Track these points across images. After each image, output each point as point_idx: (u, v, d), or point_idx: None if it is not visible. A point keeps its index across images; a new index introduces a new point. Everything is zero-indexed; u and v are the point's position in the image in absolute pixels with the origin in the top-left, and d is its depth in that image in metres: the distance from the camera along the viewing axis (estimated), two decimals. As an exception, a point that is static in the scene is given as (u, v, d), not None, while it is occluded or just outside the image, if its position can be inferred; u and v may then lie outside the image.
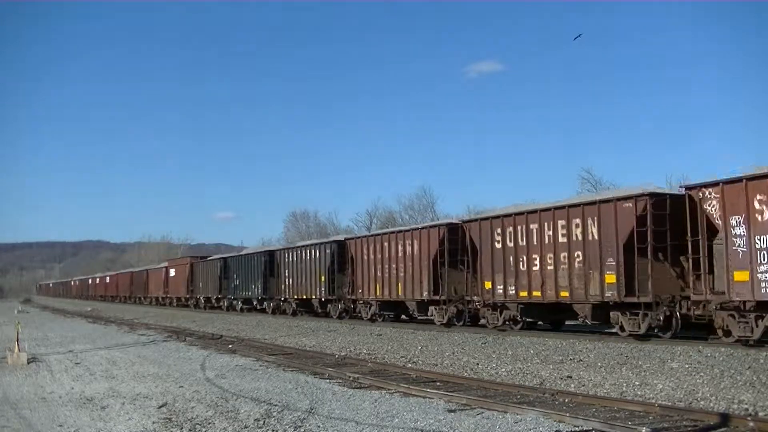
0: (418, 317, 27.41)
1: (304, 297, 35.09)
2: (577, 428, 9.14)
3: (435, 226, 26.66)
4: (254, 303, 41.74)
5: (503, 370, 15.28)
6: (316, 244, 35.63)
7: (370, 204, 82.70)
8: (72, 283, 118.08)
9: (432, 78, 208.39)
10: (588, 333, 21.17)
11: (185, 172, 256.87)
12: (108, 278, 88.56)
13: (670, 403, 10.85)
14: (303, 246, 36.90)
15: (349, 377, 14.53)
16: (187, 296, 54.59)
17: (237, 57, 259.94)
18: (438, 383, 13.65)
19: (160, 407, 11.82)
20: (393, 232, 29.34)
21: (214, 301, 48.79)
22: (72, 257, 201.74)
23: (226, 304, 46.22)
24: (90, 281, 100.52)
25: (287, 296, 37.20)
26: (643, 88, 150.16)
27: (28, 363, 18.92)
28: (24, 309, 63.78)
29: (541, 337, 19.89)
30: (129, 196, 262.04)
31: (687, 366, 13.95)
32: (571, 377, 13.76)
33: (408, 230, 28.09)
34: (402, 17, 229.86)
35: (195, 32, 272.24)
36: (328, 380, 14.42)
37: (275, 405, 11.52)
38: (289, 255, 37.21)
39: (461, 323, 24.78)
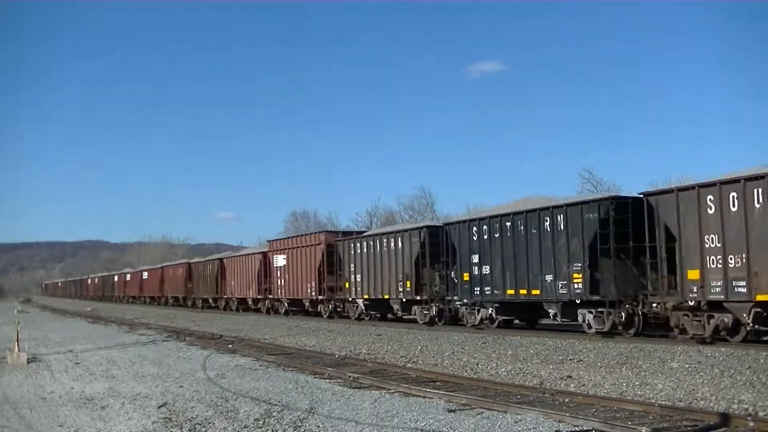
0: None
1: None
2: (577, 428, 9.14)
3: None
4: (553, 314, 21.11)
5: (503, 370, 15.29)
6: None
7: (370, 204, 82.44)
8: (89, 281, 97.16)
9: (433, 78, 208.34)
10: (585, 333, 21.16)
11: (185, 172, 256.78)
12: (145, 273, 67.65)
13: (670, 403, 10.84)
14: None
15: (349, 377, 14.54)
16: (316, 297, 34.06)
17: (237, 57, 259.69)
18: (438, 383, 13.65)
19: (160, 407, 11.83)
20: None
21: (397, 308, 28.13)
22: (72, 257, 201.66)
23: (433, 312, 25.94)
24: (116, 278, 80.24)
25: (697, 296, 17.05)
26: (644, 88, 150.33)
27: (28, 363, 18.93)
28: (24, 309, 63.78)
29: (541, 337, 19.94)
30: (129, 196, 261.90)
31: (687, 366, 13.95)
32: (571, 377, 13.77)
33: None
34: (403, 17, 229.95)
35: (196, 33, 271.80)
36: (328, 380, 14.43)
37: (275, 405, 11.52)
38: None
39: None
